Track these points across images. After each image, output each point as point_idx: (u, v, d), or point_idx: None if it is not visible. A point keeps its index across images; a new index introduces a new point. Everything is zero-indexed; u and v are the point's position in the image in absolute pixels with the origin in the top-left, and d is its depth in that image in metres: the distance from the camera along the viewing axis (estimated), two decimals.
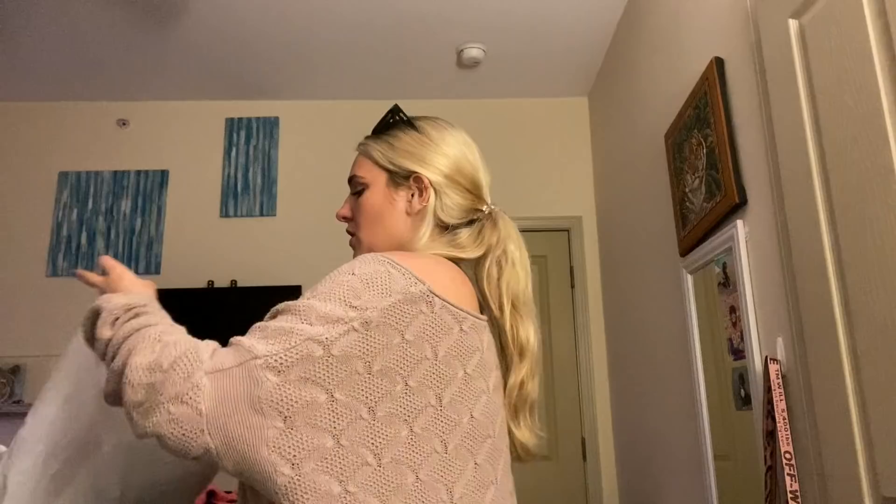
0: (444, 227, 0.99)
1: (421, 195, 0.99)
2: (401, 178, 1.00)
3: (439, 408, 0.81)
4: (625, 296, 2.98)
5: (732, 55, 1.79)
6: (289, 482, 0.73)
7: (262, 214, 3.48)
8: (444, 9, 2.88)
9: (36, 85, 3.44)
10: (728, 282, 1.80)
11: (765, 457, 1.47)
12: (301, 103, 3.64)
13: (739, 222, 1.71)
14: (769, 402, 1.46)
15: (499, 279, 0.95)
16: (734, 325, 1.76)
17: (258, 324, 0.81)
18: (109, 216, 3.45)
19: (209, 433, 0.74)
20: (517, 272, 0.96)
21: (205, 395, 0.74)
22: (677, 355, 2.26)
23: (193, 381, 0.74)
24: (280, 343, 0.76)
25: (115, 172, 3.51)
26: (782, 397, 1.45)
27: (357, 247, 1.03)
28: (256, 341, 0.77)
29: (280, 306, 0.82)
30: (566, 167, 3.59)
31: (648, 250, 2.61)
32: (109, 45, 3.09)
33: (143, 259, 3.39)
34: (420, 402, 0.79)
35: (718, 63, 1.84)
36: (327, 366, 0.76)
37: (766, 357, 1.50)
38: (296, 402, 0.74)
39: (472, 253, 0.97)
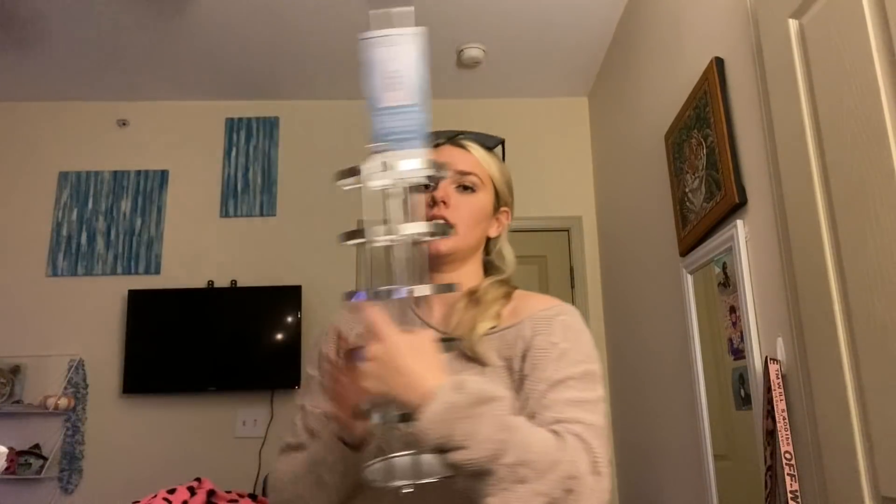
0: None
1: (499, 224, 1.14)
2: (499, 202, 1.13)
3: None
4: (625, 296, 2.98)
5: (732, 55, 1.78)
6: None
7: (262, 214, 3.47)
8: (444, 9, 2.88)
9: (36, 85, 3.44)
10: (728, 282, 1.80)
11: (765, 457, 1.47)
12: (301, 103, 3.64)
13: (739, 222, 1.71)
14: (769, 402, 1.46)
15: None
16: (734, 325, 1.75)
17: (578, 394, 0.99)
18: (109, 216, 3.45)
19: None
20: None
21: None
22: (677, 355, 2.25)
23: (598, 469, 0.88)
24: (599, 414, 0.97)
25: (115, 172, 3.51)
26: (782, 397, 1.45)
27: (451, 236, 1.02)
28: (596, 418, 0.96)
29: (589, 369, 1.02)
30: (566, 167, 3.59)
31: (648, 250, 2.61)
32: (110, 45, 3.09)
33: (143, 259, 3.39)
34: None
35: (718, 63, 1.84)
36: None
37: (766, 357, 1.50)
38: None
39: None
